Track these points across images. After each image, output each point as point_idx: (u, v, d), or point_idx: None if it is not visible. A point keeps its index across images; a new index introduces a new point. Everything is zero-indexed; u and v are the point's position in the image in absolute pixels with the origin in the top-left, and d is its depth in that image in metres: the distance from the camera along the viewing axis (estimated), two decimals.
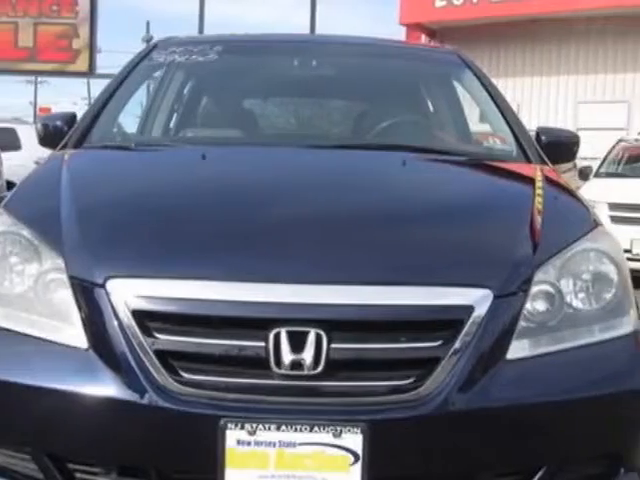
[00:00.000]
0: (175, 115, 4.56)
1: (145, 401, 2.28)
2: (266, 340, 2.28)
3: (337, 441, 2.24)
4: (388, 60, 4.53)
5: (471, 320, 2.36)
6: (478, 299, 2.39)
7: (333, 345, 2.29)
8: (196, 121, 4.55)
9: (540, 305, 2.50)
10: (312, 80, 4.52)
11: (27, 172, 3.31)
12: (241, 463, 2.25)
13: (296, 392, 2.30)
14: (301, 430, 2.24)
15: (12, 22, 22.35)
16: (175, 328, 2.34)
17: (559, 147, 3.83)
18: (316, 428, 2.24)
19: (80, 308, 2.40)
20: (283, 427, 2.24)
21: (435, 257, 2.57)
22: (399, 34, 23.94)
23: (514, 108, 4.21)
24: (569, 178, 8.62)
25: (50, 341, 2.41)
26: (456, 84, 4.56)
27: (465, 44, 17.14)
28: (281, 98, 5.17)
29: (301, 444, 2.24)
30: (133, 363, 2.31)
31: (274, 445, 2.24)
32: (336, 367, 2.29)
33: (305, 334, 2.28)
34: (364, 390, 2.31)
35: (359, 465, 2.24)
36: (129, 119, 4.30)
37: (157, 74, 4.50)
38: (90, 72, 23.14)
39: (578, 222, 2.84)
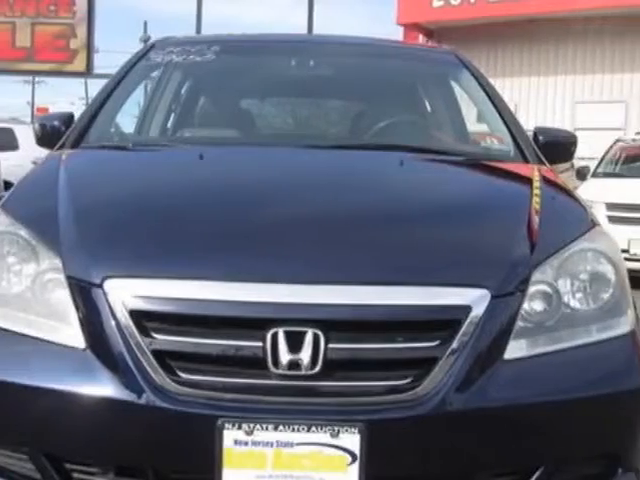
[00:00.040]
0: (172, 115, 4.55)
1: (142, 401, 2.28)
2: (263, 340, 2.28)
3: (334, 441, 2.24)
4: (386, 60, 4.53)
5: (468, 320, 2.36)
6: (475, 299, 2.39)
7: (330, 345, 2.29)
8: (193, 121, 4.55)
9: (538, 305, 2.50)
10: (309, 80, 4.52)
11: (24, 172, 3.32)
12: (238, 463, 2.24)
13: (293, 392, 2.30)
14: (298, 430, 2.24)
15: (9, 22, 22.31)
16: (172, 328, 2.34)
17: (557, 147, 3.83)
18: (314, 428, 2.24)
19: (78, 308, 2.40)
20: (281, 427, 2.24)
21: (433, 257, 2.57)
22: (396, 34, 23.99)
23: (512, 108, 4.21)
24: (567, 178, 8.62)
25: (48, 341, 2.41)
26: (454, 84, 4.56)
27: (463, 44, 17.18)
28: (278, 98, 5.17)
29: (299, 444, 2.24)
30: (130, 363, 2.31)
31: (271, 445, 2.24)
32: (333, 367, 2.29)
33: (302, 334, 2.28)
34: (361, 390, 2.31)
35: (356, 465, 2.24)
36: (127, 119, 4.31)
37: (154, 74, 4.50)
38: (88, 72, 23.09)
39: (575, 222, 2.84)
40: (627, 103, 22.10)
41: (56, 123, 3.78)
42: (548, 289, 2.52)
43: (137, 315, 2.34)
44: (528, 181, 3.14)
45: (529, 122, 12.45)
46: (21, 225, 2.61)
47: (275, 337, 2.28)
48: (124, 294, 2.36)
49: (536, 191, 3.00)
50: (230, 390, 2.29)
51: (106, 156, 3.52)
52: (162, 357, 2.31)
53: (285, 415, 2.26)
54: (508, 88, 21.67)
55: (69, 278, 2.44)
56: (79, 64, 22.52)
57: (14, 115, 33.52)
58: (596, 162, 12.23)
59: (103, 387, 2.31)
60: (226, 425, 2.23)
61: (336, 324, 2.31)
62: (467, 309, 2.37)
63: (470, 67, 4.30)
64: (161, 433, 2.30)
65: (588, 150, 13.15)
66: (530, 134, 3.86)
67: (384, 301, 2.36)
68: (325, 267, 2.46)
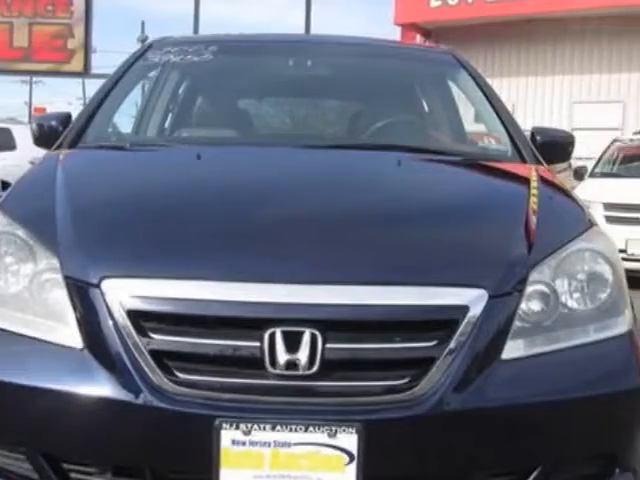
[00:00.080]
0: (170, 115, 4.55)
1: (140, 401, 2.27)
2: (261, 340, 2.28)
3: (332, 441, 2.24)
4: (383, 60, 4.53)
5: (466, 320, 2.36)
6: (473, 299, 2.39)
7: (328, 345, 2.29)
8: (191, 121, 4.55)
9: (535, 305, 2.50)
10: (307, 80, 4.52)
11: (22, 172, 3.32)
12: (236, 463, 2.24)
13: (291, 392, 2.30)
14: (296, 430, 2.24)
15: (7, 22, 22.32)
16: (170, 328, 2.34)
17: (554, 147, 3.83)
18: (311, 428, 2.24)
19: (75, 308, 2.40)
20: (278, 427, 2.24)
21: (430, 257, 2.57)
22: (394, 34, 23.96)
23: (509, 108, 4.21)
24: (564, 178, 8.64)
25: (45, 341, 2.41)
26: (451, 84, 4.56)
27: (460, 44, 17.18)
28: (276, 98, 5.17)
29: (296, 444, 2.24)
30: (128, 363, 2.30)
31: (269, 445, 2.24)
32: (331, 367, 2.29)
33: (300, 334, 2.28)
34: (359, 390, 2.31)
35: (354, 465, 2.24)
36: (124, 119, 4.31)
37: (152, 74, 4.50)
38: (85, 72, 23.11)
39: (573, 222, 2.84)
40: (624, 103, 22.10)
41: (53, 123, 3.77)
42: (545, 289, 2.52)
43: (135, 315, 2.33)
44: (526, 181, 3.14)
45: (527, 122, 12.45)
46: (19, 225, 2.61)
47: (273, 337, 2.28)
48: (121, 294, 2.36)
49: (534, 191, 3.00)
50: (228, 390, 2.29)
51: (104, 156, 3.52)
52: (160, 357, 2.31)
53: (283, 415, 2.26)
54: (505, 88, 21.67)
55: (66, 278, 2.44)
56: (77, 64, 22.54)
57: (11, 115, 33.58)
58: (593, 162, 12.23)
59: (101, 387, 2.31)
60: (224, 425, 2.23)
61: (334, 324, 2.31)
62: (465, 309, 2.37)
63: (467, 67, 4.31)
64: (159, 433, 2.29)
65: (586, 150, 13.17)
66: (527, 134, 3.86)
67: (382, 301, 2.36)
68: (323, 267, 2.46)
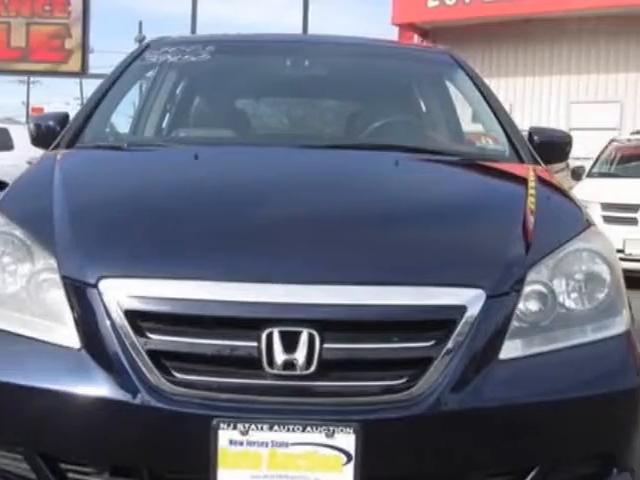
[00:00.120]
0: (167, 115, 4.55)
1: (137, 401, 2.27)
2: (259, 340, 2.28)
3: (330, 441, 2.24)
4: (381, 60, 4.53)
5: (464, 320, 2.36)
6: (471, 299, 2.39)
7: (326, 345, 2.28)
8: (188, 121, 4.55)
9: (533, 305, 2.50)
10: (305, 80, 4.52)
11: (19, 172, 3.31)
12: (233, 463, 2.24)
13: (289, 392, 2.30)
14: (294, 430, 2.23)
15: (4, 22, 22.33)
16: (168, 328, 2.33)
17: (552, 147, 3.83)
18: (309, 428, 2.24)
19: (73, 308, 2.40)
20: (276, 427, 2.23)
21: (428, 257, 2.57)
22: (392, 34, 23.95)
23: (507, 108, 4.21)
24: (562, 178, 8.62)
25: (43, 341, 2.40)
26: (449, 84, 4.56)
27: (457, 44, 17.16)
28: (274, 98, 5.17)
29: (294, 444, 2.24)
30: (125, 363, 2.30)
31: (267, 445, 2.24)
32: (329, 367, 2.29)
33: (298, 334, 2.28)
34: (357, 390, 2.31)
35: (352, 465, 2.24)
36: (122, 119, 4.30)
37: (150, 74, 4.50)
38: (82, 72, 23.12)
39: (571, 222, 2.84)
40: (622, 103, 22.12)
41: (51, 123, 3.77)
42: (543, 289, 2.52)
43: (132, 315, 2.33)
44: (523, 181, 3.14)
45: (524, 122, 12.44)
46: (16, 225, 2.61)
47: (270, 337, 2.28)
48: (119, 294, 2.36)
49: (531, 191, 3.00)
50: (225, 390, 2.29)
51: (101, 156, 3.52)
52: (157, 357, 2.31)
53: (280, 415, 2.25)
54: (503, 88, 21.67)
55: (64, 278, 2.44)
56: (74, 64, 22.55)
57: (9, 115, 33.57)
58: (591, 162, 12.25)
59: (98, 387, 2.31)
60: (221, 425, 2.23)
61: (331, 324, 2.31)
62: (462, 309, 2.37)
63: (465, 67, 4.30)
64: (156, 433, 2.29)
65: (583, 150, 13.17)
66: (525, 134, 3.86)
67: (379, 301, 2.36)
68: (320, 267, 2.46)
